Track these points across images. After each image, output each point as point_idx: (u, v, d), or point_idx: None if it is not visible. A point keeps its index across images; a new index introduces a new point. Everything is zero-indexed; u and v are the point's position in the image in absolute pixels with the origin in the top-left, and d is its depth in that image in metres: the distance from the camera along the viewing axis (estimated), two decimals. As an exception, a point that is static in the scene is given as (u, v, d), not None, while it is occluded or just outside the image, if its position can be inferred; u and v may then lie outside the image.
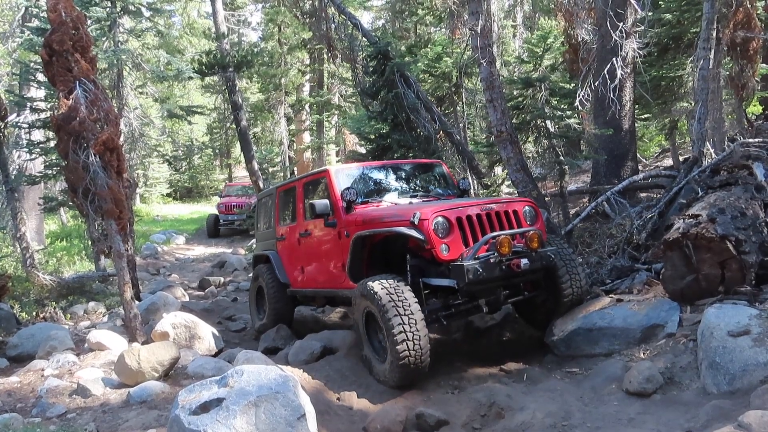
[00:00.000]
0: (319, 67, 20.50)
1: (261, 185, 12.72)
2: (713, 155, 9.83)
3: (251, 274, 12.86)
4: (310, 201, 5.81)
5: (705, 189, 6.36)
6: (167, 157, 19.91)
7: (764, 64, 13.37)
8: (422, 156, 9.21)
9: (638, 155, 12.16)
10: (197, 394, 3.31)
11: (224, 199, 20.65)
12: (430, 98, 10.70)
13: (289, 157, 18.99)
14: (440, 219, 4.78)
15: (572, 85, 8.04)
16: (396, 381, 4.77)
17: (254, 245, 16.91)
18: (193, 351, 5.89)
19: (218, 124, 26.04)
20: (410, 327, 4.52)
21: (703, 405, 3.86)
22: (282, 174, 18.83)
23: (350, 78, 23.04)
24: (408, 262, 5.04)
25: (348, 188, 5.65)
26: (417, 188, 6.32)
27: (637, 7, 9.44)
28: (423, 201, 5.80)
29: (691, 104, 11.53)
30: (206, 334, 6.30)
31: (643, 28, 9.61)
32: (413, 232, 4.76)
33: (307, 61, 20.60)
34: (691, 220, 5.13)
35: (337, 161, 25.42)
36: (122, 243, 6.69)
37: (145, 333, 6.62)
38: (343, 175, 6.01)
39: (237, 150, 31.57)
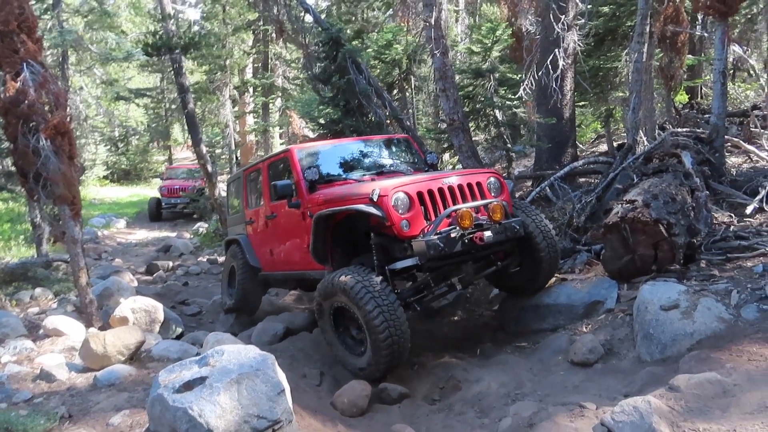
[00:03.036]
0: (264, 48, 20.26)
1: (209, 169, 12.61)
2: (646, 143, 10.49)
3: (223, 257, 12.91)
4: (273, 182, 5.71)
5: (639, 176, 6.86)
6: (108, 138, 19.21)
7: (690, 56, 14.25)
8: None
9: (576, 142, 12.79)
10: (177, 374, 3.45)
11: (167, 182, 20.20)
12: (380, 84, 10.88)
13: (234, 140, 18.79)
14: (400, 194, 4.69)
15: (519, 75, 8.40)
16: (380, 372, 4.72)
17: (202, 228, 16.81)
18: (154, 335, 5.94)
19: (155, 105, 25.35)
20: (391, 317, 4.45)
21: (639, 372, 4.30)
22: (227, 157, 18.61)
23: (295, 60, 22.91)
24: (371, 241, 4.96)
25: (310, 167, 5.59)
26: (383, 164, 6.22)
27: (577, 0, 9.90)
28: (387, 177, 5.68)
29: (625, 93, 12.23)
30: (166, 319, 6.34)
31: (583, 20, 10.11)
32: (372, 209, 4.66)
33: (251, 43, 20.34)
34: (628, 205, 5.58)
35: (281, 144, 25.28)
36: (76, 228, 6.61)
37: (101, 318, 6.60)
38: (306, 155, 5.94)
39: (176, 132, 30.84)
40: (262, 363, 3.45)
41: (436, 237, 4.58)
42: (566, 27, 9.85)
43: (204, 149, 12.52)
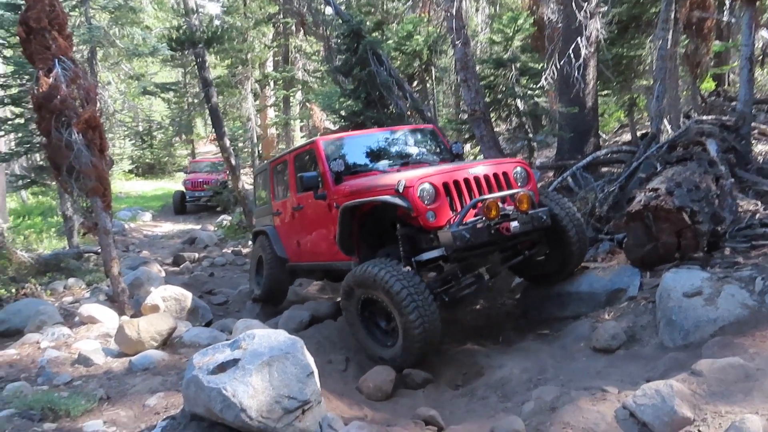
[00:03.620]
0: (285, 41, 20.39)
1: (233, 162, 12.81)
2: (670, 131, 10.40)
3: (247, 249, 13.12)
4: (300, 174, 5.74)
5: (663, 164, 6.84)
6: (134, 133, 19.55)
7: (717, 42, 14.04)
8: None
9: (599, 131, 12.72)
10: (211, 357, 3.58)
11: (190, 176, 20.55)
12: (401, 76, 10.94)
13: (255, 133, 18.99)
14: (426, 185, 4.68)
15: (540, 65, 8.39)
16: (411, 362, 4.73)
17: (225, 221, 17.07)
18: (184, 323, 6.12)
19: (179, 99, 25.68)
20: (424, 309, 4.43)
21: (661, 358, 4.34)
22: (248, 151, 18.82)
23: (315, 53, 23.01)
24: (397, 232, 4.98)
25: (336, 159, 5.59)
26: (408, 155, 6.21)
27: (600, -12, 9.82)
28: (412, 168, 5.66)
29: (649, 82, 12.10)
30: (195, 307, 6.53)
31: (606, 8, 10.03)
32: (398, 201, 4.66)
33: (272, 36, 20.48)
34: (651, 193, 5.58)
35: (302, 137, 25.47)
36: (107, 220, 6.82)
37: (133, 306, 6.81)
38: (331, 146, 5.95)
39: (199, 126, 31.21)
40: (292, 346, 3.56)
41: (462, 228, 4.57)
42: (589, 15, 9.80)
43: (227, 142, 12.71)
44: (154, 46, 9.17)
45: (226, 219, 17.73)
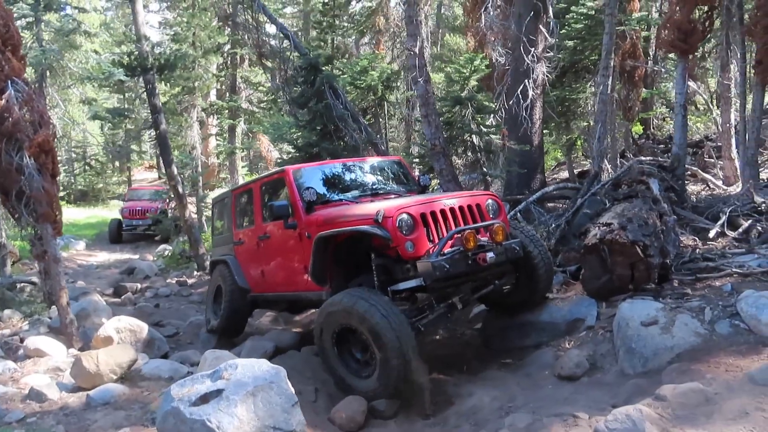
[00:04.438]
0: (232, 71, 20.33)
1: (180, 190, 12.53)
2: (610, 171, 11.01)
3: (192, 279, 12.68)
4: (269, 203, 5.65)
5: (611, 201, 7.23)
6: (67, 159, 18.79)
7: (644, 89, 15.07)
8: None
9: (542, 168, 13.31)
10: (190, 388, 3.50)
11: (128, 204, 19.89)
12: (356, 109, 11.14)
13: (200, 162, 18.69)
14: (404, 216, 4.68)
15: (494, 104, 8.77)
16: (388, 394, 4.65)
17: (167, 250, 16.53)
18: (141, 355, 5.88)
19: (116, 125, 24.92)
20: (403, 339, 4.41)
21: (623, 384, 4.55)
22: (193, 180, 18.46)
23: (261, 84, 23.02)
24: (372, 262, 4.96)
25: (308, 188, 5.57)
26: (378, 186, 6.25)
27: (546, 35, 10.42)
28: (382, 199, 5.73)
29: (588, 123, 12.84)
30: (151, 338, 6.30)
31: (552, 53, 10.63)
32: (377, 231, 4.66)
33: (218, 66, 20.40)
34: (605, 227, 5.90)
35: (243, 167, 25.22)
36: (58, 248, 6.53)
37: (81, 339, 6.50)
38: (302, 175, 5.92)
39: (136, 152, 30.28)
40: (276, 376, 3.54)
41: (441, 258, 4.59)
42: (536, 59, 10.35)
43: (175, 170, 12.45)
44: (109, 70, 8.95)
45: (167, 248, 17.21)
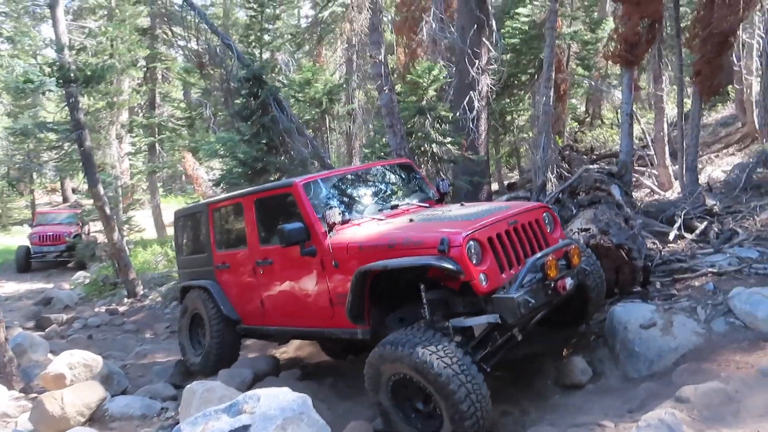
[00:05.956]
0: (152, 87, 19.32)
1: (107, 211, 11.58)
2: (553, 180, 11.28)
3: (124, 307, 11.59)
4: (282, 227, 4.67)
5: (577, 207, 7.32)
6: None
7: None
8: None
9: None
10: (205, 425, 3.06)
11: (37, 229, 18.36)
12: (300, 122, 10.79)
13: (120, 181, 17.54)
14: (472, 243, 3.97)
15: (451, 114, 8.75)
16: None
17: (85, 278, 15.27)
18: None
19: (18, 144, 22.92)
20: (473, 389, 3.71)
21: (633, 389, 4.50)
22: (114, 201, 17.29)
23: (182, 99, 22.04)
24: (424, 296, 4.15)
25: (329, 206, 4.76)
26: (395, 197, 5.51)
27: (490, 47, 10.58)
28: (404, 213, 5.05)
29: (528, 135, 13.18)
30: (109, 373, 5.63)
31: (495, 66, 10.81)
32: (445, 264, 3.87)
33: (138, 80, 19.33)
34: (585, 233, 5.92)
35: (159, 186, 23.98)
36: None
37: (22, 379, 5.73)
38: (314, 190, 5.05)
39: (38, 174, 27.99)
40: (303, 405, 3.18)
41: (522, 291, 3.90)
42: (480, 71, 10.48)
43: (101, 190, 11.50)
44: (41, 80, 8.08)
45: (85, 276, 15.95)
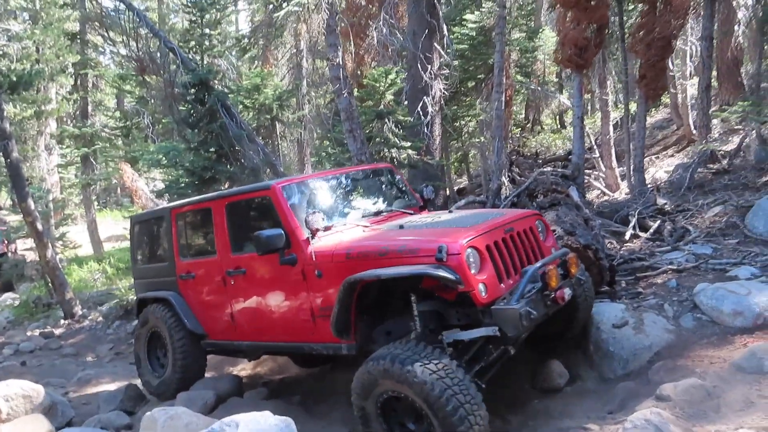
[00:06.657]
0: (83, 95, 18.39)
1: (39, 227, 10.82)
2: (506, 183, 11.36)
3: (60, 329, 10.79)
4: (258, 233, 4.35)
5: (538, 209, 7.34)
6: None
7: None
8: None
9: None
10: (181, 459, 2.78)
11: (-49, 248, 17.08)
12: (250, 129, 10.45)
13: (51, 195, 16.57)
14: (471, 250, 3.78)
15: (408, 119, 8.66)
16: None
17: (12, 299, 14.29)
18: (46, 425, 4.78)
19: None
20: (476, 417, 3.49)
21: (610, 389, 4.48)
22: (44, 215, 16.31)
23: (115, 107, 21.10)
24: (415, 308, 3.95)
25: (313, 211, 4.43)
26: (378, 202, 5.28)
27: (442, 52, 10.58)
28: (389, 219, 4.84)
29: (480, 139, 13.27)
30: (52, 404, 5.16)
31: (448, 71, 10.82)
32: (443, 273, 3.65)
33: (68, 88, 18.36)
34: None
35: (94, 200, 22.85)
36: None
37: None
38: (294, 194, 4.72)
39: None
40: (287, 429, 2.94)
41: (523, 303, 3.70)
42: (433, 76, 10.46)
43: (32, 205, 10.74)
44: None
45: (12, 297, 14.93)
